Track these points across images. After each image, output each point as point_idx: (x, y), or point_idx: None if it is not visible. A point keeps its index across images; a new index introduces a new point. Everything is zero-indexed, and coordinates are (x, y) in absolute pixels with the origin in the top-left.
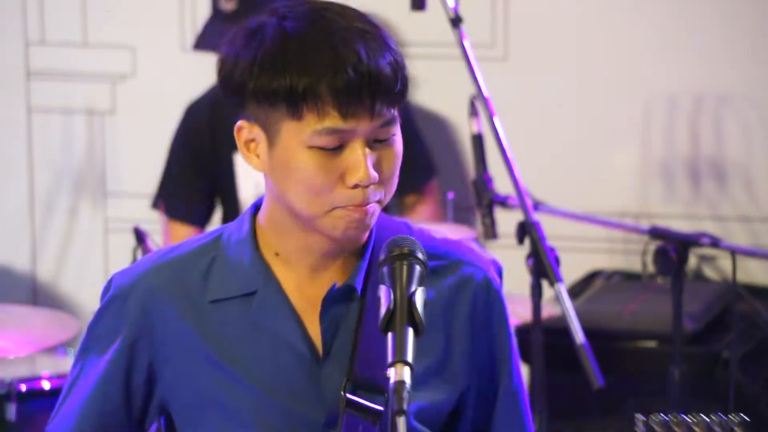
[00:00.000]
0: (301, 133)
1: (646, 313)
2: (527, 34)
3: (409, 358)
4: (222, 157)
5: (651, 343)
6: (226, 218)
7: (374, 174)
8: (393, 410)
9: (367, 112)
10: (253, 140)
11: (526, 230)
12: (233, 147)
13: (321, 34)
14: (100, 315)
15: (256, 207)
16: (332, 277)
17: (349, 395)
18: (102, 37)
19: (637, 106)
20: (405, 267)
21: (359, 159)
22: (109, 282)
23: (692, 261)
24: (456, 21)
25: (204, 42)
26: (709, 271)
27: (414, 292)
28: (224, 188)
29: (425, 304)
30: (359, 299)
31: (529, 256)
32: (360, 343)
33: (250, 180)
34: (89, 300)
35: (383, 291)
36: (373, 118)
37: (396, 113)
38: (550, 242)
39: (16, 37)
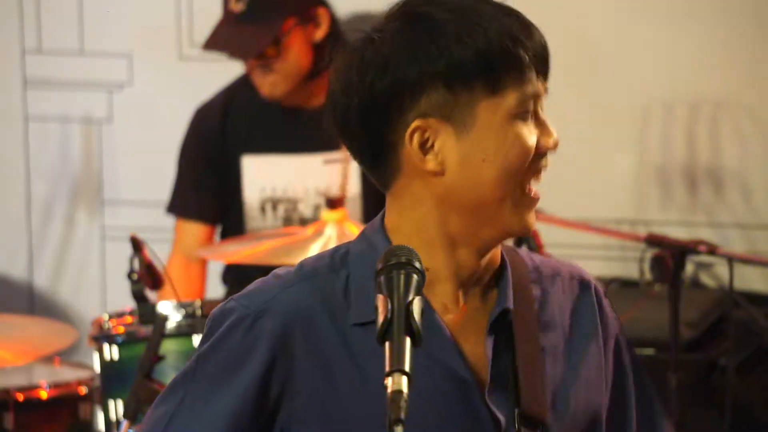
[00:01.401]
0: (502, 106)
1: (643, 321)
2: None
3: (407, 367)
4: (231, 160)
5: (648, 350)
6: (228, 221)
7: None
8: (391, 420)
9: (546, 75)
10: (429, 139)
11: (523, 238)
12: (242, 150)
13: (485, 3)
14: (220, 340)
15: (381, 221)
16: (474, 301)
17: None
18: (99, 45)
19: (633, 113)
20: (402, 276)
21: (547, 122)
22: (227, 306)
23: (689, 268)
24: None
25: (213, 42)
26: (706, 278)
27: (411, 301)
28: (230, 191)
29: (422, 313)
30: (513, 319)
31: None
32: (524, 368)
33: (255, 184)
34: (86, 308)
35: (380, 300)
36: (545, 82)
37: None
38: (547, 249)
39: (12, 46)
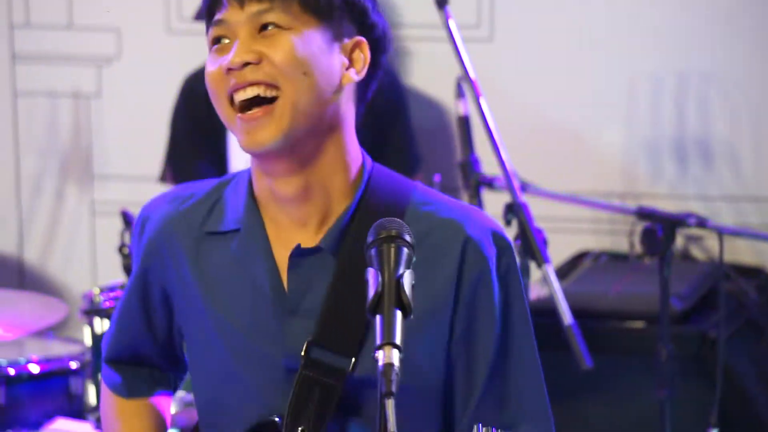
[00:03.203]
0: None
1: (634, 294)
2: (513, 15)
3: (398, 340)
4: (219, 130)
5: (638, 323)
6: None
7: (241, 56)
8: (381, 392)
9: (236, 3)
10: None
11: (513, 212)
12: None
13: None
14: (131, 238)
15: None
16: (312, 231)
17: (310, 354)
18: (87, 19)
19: (622, 85)
20: (393, 249)
21: (232, 47)
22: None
23: (679, 241)
24: (441, 2)
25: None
26: (695, 251)
27: (402, 275)
28: (219, 161)
29: (413, 286)
30: (335, 259)
31: (516, 238)
32: (330, 303)
33: (242, 155)
34: (76, 283)
35: (371, 274)
36: (243, 7)
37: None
38: (538, 223)
39: (1, 20)
